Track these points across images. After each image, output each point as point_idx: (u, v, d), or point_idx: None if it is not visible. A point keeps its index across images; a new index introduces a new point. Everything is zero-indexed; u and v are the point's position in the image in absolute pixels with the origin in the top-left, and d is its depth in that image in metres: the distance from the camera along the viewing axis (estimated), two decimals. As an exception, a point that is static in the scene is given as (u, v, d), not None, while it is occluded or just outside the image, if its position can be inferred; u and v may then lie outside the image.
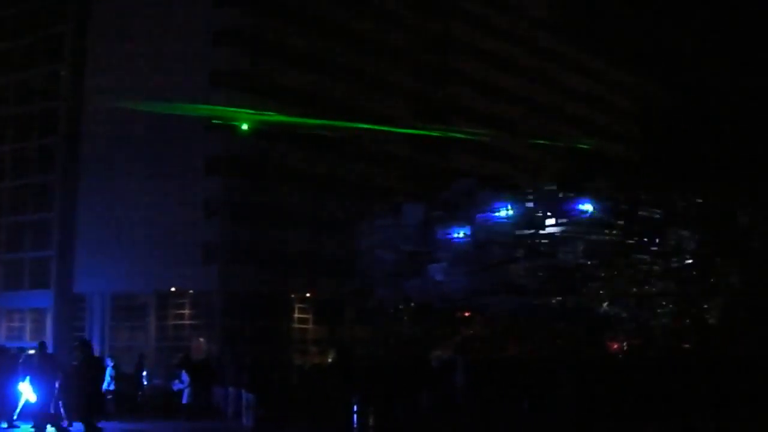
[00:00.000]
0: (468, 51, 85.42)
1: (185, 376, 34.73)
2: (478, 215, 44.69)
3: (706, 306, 48.29)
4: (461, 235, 44.75)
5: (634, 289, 46.47)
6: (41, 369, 26.61)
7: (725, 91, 79.36)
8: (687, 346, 44.48)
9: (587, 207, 44.83)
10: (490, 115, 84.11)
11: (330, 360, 43.68)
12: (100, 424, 26.99)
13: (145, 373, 38.68)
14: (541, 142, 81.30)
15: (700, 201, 48.75)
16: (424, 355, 39.12)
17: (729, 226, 48.05)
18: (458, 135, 77.06)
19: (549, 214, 45.51)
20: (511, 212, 45.02)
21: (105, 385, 34.02)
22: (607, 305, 45.42)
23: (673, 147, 79.12)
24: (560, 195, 47.17)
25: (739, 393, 31.47)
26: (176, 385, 35.16)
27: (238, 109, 63.89)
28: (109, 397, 34.05)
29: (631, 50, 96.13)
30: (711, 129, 72.72)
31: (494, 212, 44.72)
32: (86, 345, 27.91)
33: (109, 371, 35.08)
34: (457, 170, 70.09)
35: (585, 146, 78.82)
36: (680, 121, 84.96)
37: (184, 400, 34.53)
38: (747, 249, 47.41)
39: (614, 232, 47.09)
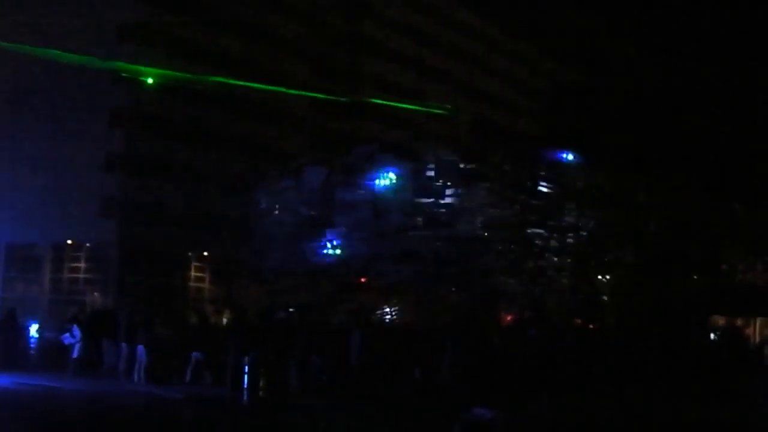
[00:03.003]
0: (381, 20, 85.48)
1: (77, 331, 34.48)
2: (378, 181, 44.82)
3: (599, 281, 49.16)
4: (360, 200, 44.80)
5: (530, 263, 47.08)
6: None
7: (633, 72, 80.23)
8: (579, 321, 45.24)
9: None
10: (397, 83, 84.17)
11: (225, 320, 43.71)
12: None
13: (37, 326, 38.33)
14: (446, 113, 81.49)
15: (600, 179, 49.51)
16: (318, 319, 39.35)
17: (627, 206, 48.86)
18: (365, 100, 77.00)
19: (449, 184, 45.89)
20: (410, 180, 45.28)
21: None
22: (502, 278, 45.93)
23: (577, 125, 79.90)
24: (461, 166, 47.58)
25: (625, 368, 32.24)
26: (67, 339, 34.85)
27: (144, 65, 63.08)
28: None
29: (540, 28, 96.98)
30: (617, 109, 73.56)
31: (394, 179, 44.87)
32: None
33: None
34: (361, 136, 70.05)
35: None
36: (586, 100, 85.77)
37: (75, 355, 34.31)
38: (642, 229, 48.27)
39: (515, 206, 47.64)
